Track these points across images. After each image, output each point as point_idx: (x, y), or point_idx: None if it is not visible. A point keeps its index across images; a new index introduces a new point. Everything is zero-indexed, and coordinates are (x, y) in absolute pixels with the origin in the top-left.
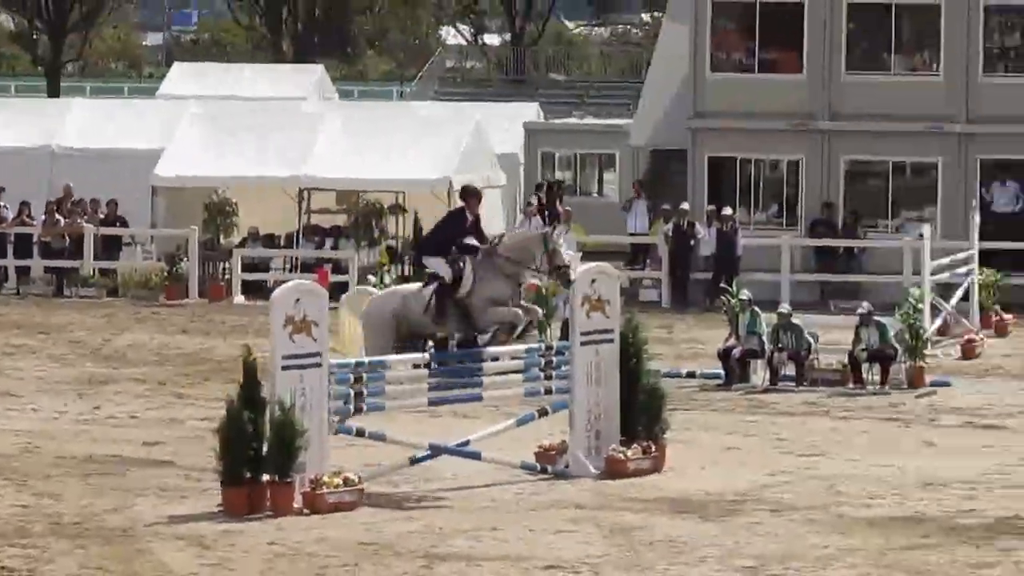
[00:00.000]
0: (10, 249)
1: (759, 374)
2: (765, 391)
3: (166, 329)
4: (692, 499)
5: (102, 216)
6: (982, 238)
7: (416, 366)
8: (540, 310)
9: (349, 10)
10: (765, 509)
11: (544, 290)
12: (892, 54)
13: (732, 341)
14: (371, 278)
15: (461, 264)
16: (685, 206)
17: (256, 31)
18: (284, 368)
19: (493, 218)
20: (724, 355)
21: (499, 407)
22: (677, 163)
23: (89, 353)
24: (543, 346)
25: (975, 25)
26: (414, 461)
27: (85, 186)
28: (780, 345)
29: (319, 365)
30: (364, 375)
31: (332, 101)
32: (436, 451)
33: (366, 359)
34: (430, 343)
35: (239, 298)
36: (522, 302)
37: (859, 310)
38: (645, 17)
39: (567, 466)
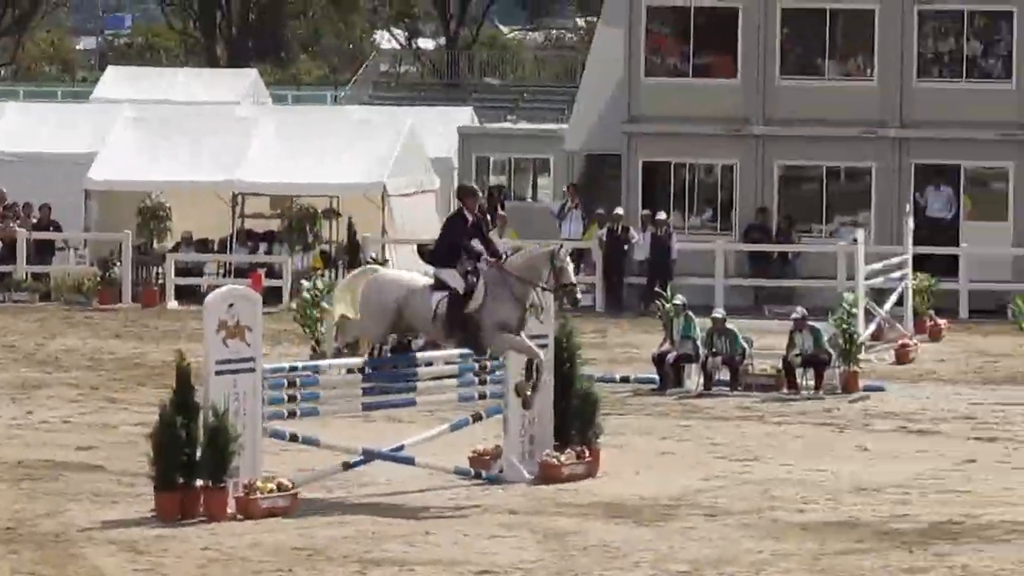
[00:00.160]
0: None
1: (693, 379)
2: (699, 396)
3: (99, 334)
4: (626, 504)
5: (35, 220)
6: (916, 243)
7: (350, 371)
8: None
9: (283, 14)
10: (699, 514)
11: None
12: (827, 59)
13: (666, 346)
14: (304, 282)
15: (474, 279)
16: (619, 211)
17: (190, 35)
18: (217, 373)
19: (427, 222)
20: (658, 360)
21: (433, 412)
22: (611, 168)
23: (22, 358)
24: None
25: (909, 30)
26: (348, 466)
27: (18, 190)
28: (714, 350)
29: (253, 370)
30: (298, 380)
31: (266, 105)
32: (370, 456)
33: (299, 364)
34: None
35: (172, 303)
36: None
37: (793, 315)
38: (580, 22)
39: (501, 471)
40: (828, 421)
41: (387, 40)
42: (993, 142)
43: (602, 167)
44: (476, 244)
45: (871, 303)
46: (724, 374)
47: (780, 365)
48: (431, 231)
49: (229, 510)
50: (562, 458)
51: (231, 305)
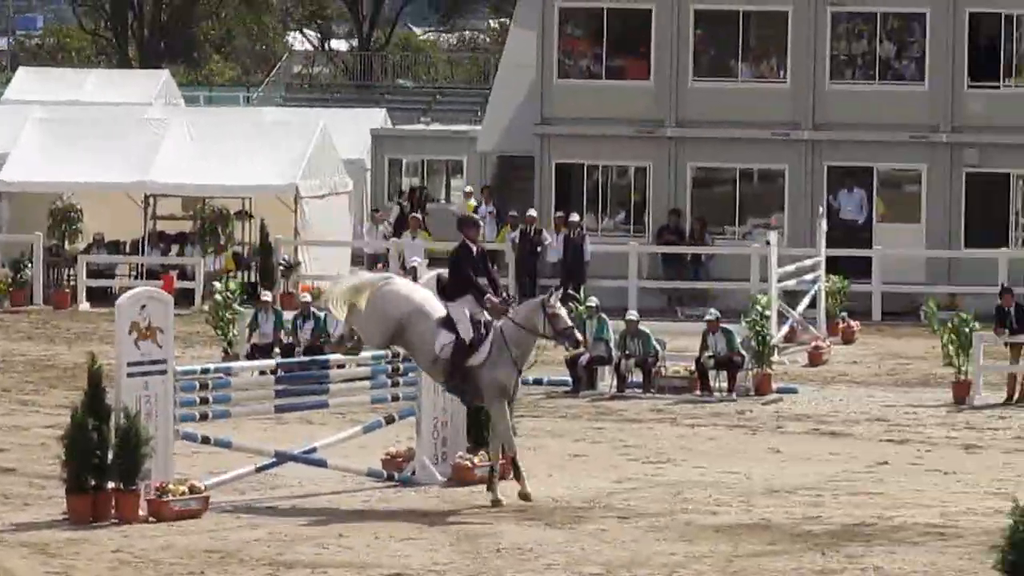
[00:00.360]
0: None
1: (606, 381)
2: (612, 398)
3: (10, 335)
4: (539, 506)
5: None
6: (829, 245)
7: (263, 373)
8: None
9: (195, 15)
10: (612, 516)
11: None
12: (739, 61)
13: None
14: (217, 284)
15: (484, 331)
16: (532, 213)
17: (101, 36)
18: (129, 375)
19: (340, 224)
20: (571, 362)
21: (346, 414)
22: (524, 169)
23: None
24: (389, 353)
25: (822, 32)
26: (260, 468)
27: None
28: (627, 352)
29: (165, 372)
30: (210, 382)
31: (178, 107)
32: (282, 458)
33: (211, 366)
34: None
35: (84, 305)
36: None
37: (706, 317)
38: (492, 23)
39: (414, 473)
40: (741, 423)
41: (300, 41)
42: (906, 144)
43: (515, 169)
44: (484, 283)
45: (784, 305)
46: (637, 376)
47: (693, 367)
48: (344, 233)
49: (141, 512)
50: (475, 460)
51: (143, 307)
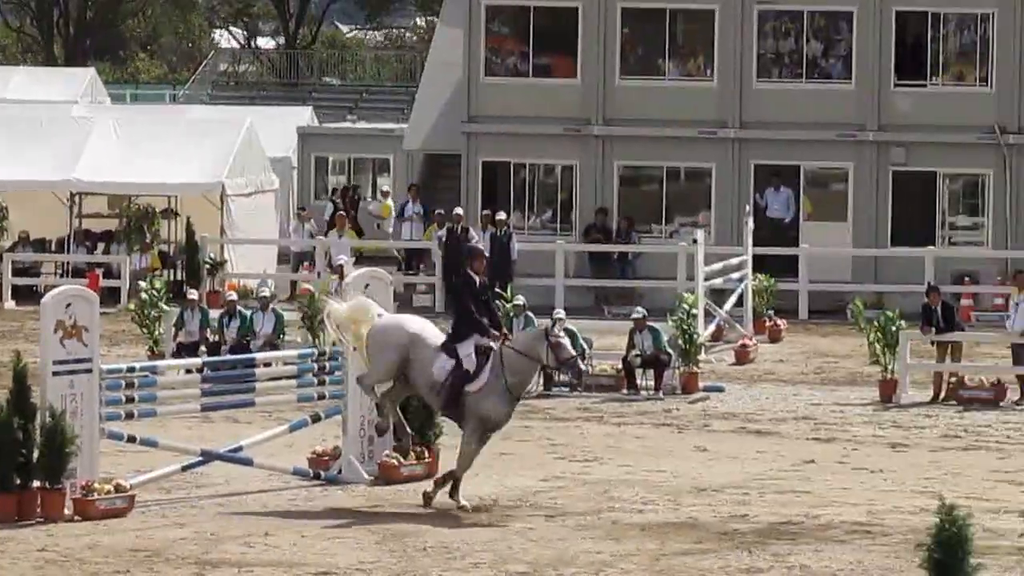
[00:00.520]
0: None
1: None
2: (539, 396)
3: None
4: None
5: None
6: (756, 243)
7: (189, 371)
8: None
9: (121, 13)
10: (539, 514)
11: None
12: (667, 59)
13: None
14: (142, 283)
15: (484, 360)
16: (459, 211)
17: (27, 34)
18: (55, 374)
19: (266, 222)
20: None
21: (272, 413)
22: (451, 167)
23: None
24: (316, 352)
25: (749, 30)
26: (186, 467)
27: None
28: None
29: (90, 371)
30: (136, 380)
31: (104, 104)
32: (208, 457)
33: (137, 364)
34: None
35: (9, 303)
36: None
37: (633, 315)
38: (419, 21)
39: (340, 472)
40: (668, 422)
41: (226, 39)
42: (832, 143)
43: (442, 167)
44: (486, 320)
45: (711, 303)
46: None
47: (620, 365)
48: (270, 231)
49: (66, 511)
50: (401, 459)
51: (68, 305)
